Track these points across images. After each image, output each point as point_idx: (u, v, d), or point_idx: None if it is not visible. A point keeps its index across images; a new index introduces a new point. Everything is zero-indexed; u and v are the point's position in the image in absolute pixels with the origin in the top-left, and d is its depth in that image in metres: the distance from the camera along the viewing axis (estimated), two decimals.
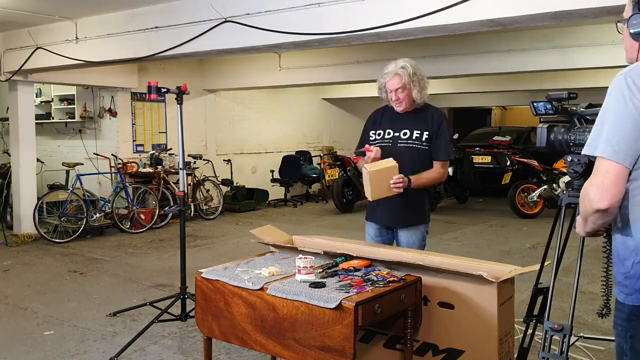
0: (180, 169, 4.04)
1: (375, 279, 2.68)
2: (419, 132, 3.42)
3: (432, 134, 3.42)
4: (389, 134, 3.49)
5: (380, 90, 3.49)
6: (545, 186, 9.67)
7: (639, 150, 1.71)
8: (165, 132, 9.93)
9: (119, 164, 8.86)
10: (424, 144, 3.42)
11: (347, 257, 3.03)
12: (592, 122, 2.15)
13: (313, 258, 2.82)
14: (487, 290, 2.69)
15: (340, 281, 2.68)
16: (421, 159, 3.44)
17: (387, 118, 3.55)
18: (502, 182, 11.19)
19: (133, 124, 9.51)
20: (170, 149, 9.70)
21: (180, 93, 3.89)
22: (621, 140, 1.70)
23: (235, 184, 10.77)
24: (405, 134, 3.45)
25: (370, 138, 3.54)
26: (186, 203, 4.22)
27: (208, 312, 2.91)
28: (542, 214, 9.80)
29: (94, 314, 4.82)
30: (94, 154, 9.08)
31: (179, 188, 4.26)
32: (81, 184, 8.12)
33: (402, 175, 3.29)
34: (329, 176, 11.33)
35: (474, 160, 11.87)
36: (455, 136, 12.41)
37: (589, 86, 10.94)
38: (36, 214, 7.79)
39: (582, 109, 2.67)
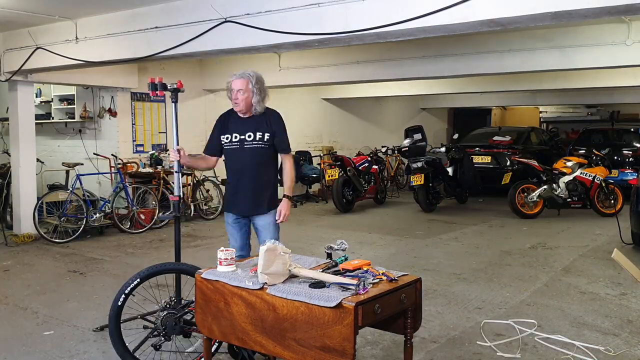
0: (176, 171, 3.95)
1: (366, 277, 2.67)
2: (261, 133, 3.90)
3: (272, 133, 3.93)
4: (236, 137, 3.94)
5: (227, 91, 3.96)
6: (545, 186, 9.67)
7: None
8: (165, 132, 9.93)
9: (119, 164, 8.86)
10: (267, 143, 3.92)
11: (347, 257, 3.03)
12: None
13: (234, 250, 3.06)
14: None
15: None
16: (266, 154, 3.96)
17: (226, 122, 4.03)
18: (502, 182, 11.19)
19: (133, 124, 9.51)
20: (169, 150, 9.69)
21: (175, 91, 3.88)
22: None
23: None
24: (250, 136, 3.91)
25: (224, 141, 3.99)
26: (181, 209, 4.14)
27: (208, 312, 2.91)
28: (542, 214, 9.80)
29: (94, 314, 4.82)
30: (94, 154, 9.07)
31: (173, 192, 4.13)
32: (81, 184, 8.12)
33: (285, 208, 3.95)
34: (329, 176, 11.32)
35: (474, 160, 11.87)
36: (455, 136, 12.41)
37: (589, 86, 10.97)
38: (36, 214, 7.79)
39: None
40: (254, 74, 3.87)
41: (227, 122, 4.03)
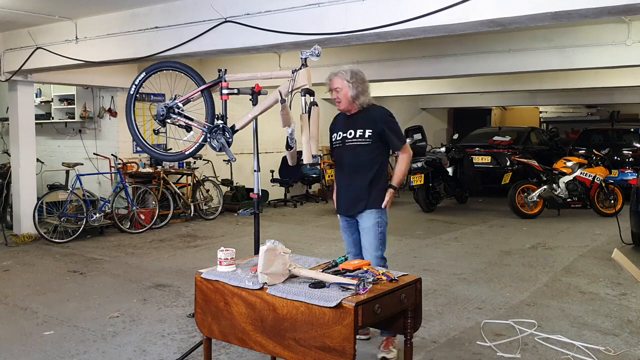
0: (255, 170, 3.92)
1: (366, 277, 2.67)
2: (362, 130, 3.84)
3: (380, 130, 3.84)
4: (340, 135, 3.95)
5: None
6: (545, 186, 9.67)
7: None
8: (165, 132, 9.91)
9: (119, 164, 8.86)
10: (367, 139, 3.83)
11: (347, 257, 3.03)
12: None
13: (234, 250, 3.00)
14: None
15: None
16: (366, 152, 3.87)
17: (336, 122, 4.06)
18: (502, 182, 11.19)
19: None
20: (170, 149, 9.69)
21: (255, 94, 3.94)
22: None
23: (235, 184, 10.78)
24: (351, 134, 3.87)
25: (333, 140, 4.04)
26: (260, 206, 4.12)
27: (208, 312, 2.91)
28: (542, 214, 9.80)
29: (94, 314, 4.82)
30: (94, 154, 9.08)
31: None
32: (81, 184, 8.12)
33: (390, 190, 3.86)
34: (329, 176, 11.32)
35: (474, 160, 11.87)
36: (455, 136, 12.41)
37: (589, 86, 10.97)
38: (36, 214, 7.78)
39: None
40: (348, 69, 3.81)
41: (336, 121, 4.07)
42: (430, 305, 4.95)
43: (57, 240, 7.71)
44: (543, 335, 4.26)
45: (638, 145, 12.67)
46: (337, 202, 4.12)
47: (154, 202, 8.78)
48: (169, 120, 4.05)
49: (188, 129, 4.05)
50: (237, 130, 3.96)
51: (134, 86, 4.16)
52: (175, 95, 4.05)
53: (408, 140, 10.80)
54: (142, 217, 8.61)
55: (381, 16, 4.53)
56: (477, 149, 12.28)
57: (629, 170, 11.16)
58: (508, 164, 11.66)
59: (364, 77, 3.84)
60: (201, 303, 2.94)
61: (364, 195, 3.87)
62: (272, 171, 11.49)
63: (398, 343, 3.77)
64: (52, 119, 10.07)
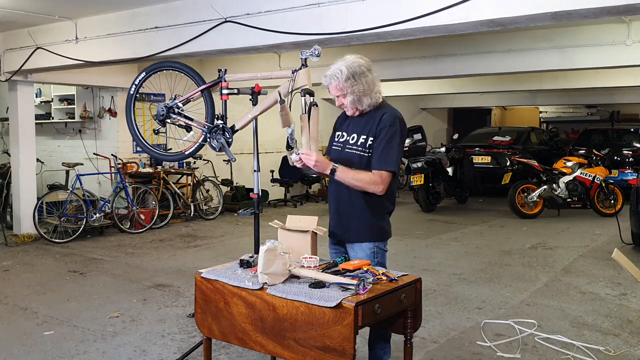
0: (255, 170, 3.71)
1: (366, 277, 2.66)
2: (364, 137, 3.05)
3: (375, 139, 3.02)
4: (342, 137, 3.19)
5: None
6: (545, 186, 9.67)
7: None
8: (165, 132, 9.91)
9: (119, 164, 8.86)
10: (367, 151, 3.03)
11: (347, 257, 3.02)
12: None
13: (318, 258, 2.85)
14: None
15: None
16: (366, 166, 3.03)
17: (344, 119, 3.25)
18: (502, 182, 11.19)
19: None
20: (170, 149, 9.69)
21: (254, 94, 3.93)
22: None
23: (235, 184, 10.78)
24: (353, 138, 3.11)
25: (334, 139, 3.26)
26: (260, 206, 4.06)
27: (208, 312, 2.91)
28: (542, 214, 9.80)
29: (94, 314, 4.82)
30: (94, 154, 9.08)
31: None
32: (81, 184, 8.12)
33: (315, 155, 2.91)
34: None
35: (474, 160, 11.87)
36: (455, 136, 12.41)
37: (589, 86, 10.98)
38: (36, 214, 7.79)
39: None
40: (344, 67, 2.96)
41: (341, 117, 3.29)
42: (430, 305, 4.95)
43: (57, 240, 7.71)
44: (543, 335, 4.27)
45: (638, 145, 12.68)
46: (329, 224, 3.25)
47: (154, 202, 8.78)
48: (169, 120, 4.05)
49: (188, 129, 4.05)
50: (237, 130, 3.95)
51: (133, 86, 4.16)
52: (175, 95, 4.05)
53: (407, 141, 10.80)
54: (142, 217, 8.61)
55: (381, 16, 4.53)
56: (477, 149, 12.29)
57: (629, 170, 11.16)
58: (508, 164, 11.67)
59: (366, 69, 2.97)
60: (201, 303, 2.94)
61: (357, 222, 3.07)
62: (272, 171, 11.50)
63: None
64: (52, 119, 10.07)
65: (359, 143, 3.06)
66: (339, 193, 3.10)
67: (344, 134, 3.18)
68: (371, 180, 2.95)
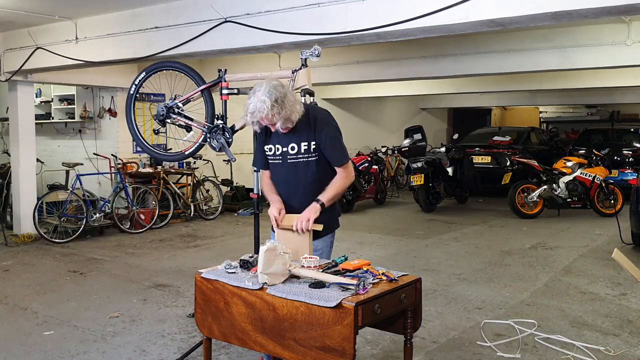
0: (255, 170, 3.53)
1: (366, 277, 2.66)
2: (306, 143, 3.14)
3: (319, 141, 3.14)
4: (278, 150, 3.21)
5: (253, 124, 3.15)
6: (545, 186, 9.67)
7: None
8: (166, 132, 9.92)
9: (119, 164, 8.86)
10: (314, 155, 3.15)
11: (347, 257, 3.02)
12: None
13: (318, 258, 2.88)
14: None
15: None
16: (316, 169, 3.18)
17: (267, 133, 3.26)
18: (502, 182, 11.19)
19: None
20: (170, 149, 9.69)
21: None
22: None
23: (235, 184, 10.78)
24: (293, 148, 3.17)
25: (267, 153, 3.30)
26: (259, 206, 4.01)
27: (208, 312, 2.91)
28: (542, 214, 9.80)
29: (94, 314, 4.82)
30: (94, 154, 9.08)
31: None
32: (81, 184, 8.12)
33: (308, 212, 3.06)
34: None
35: (474, 160, 11.87)
36: (455, 136, 12.42)
37: (589, 86, 10.98)
38: (36, 214, 7.78)
39: None
40: (263, 98, 2.96)
41: (263, 131, 3.25)
42: (430, 305, 4.95)
43: (57, 240, 7.71)
44: (543, 335, 4.26)
45: (638, 145, 12.68)
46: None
47: (154, 202, 8.78)
48: (169, 120, 4.05)
49: (188, 129, 4.05)
50: (237, 130, 3.95)
51: (134, 86, 4.16)
52: (175, 95, 4.06)
53: (407, 141, 10.82)
54: (142, 217, 8.61)
55: (381, 16, 4.53)
56: (477, 149, 12.29)
57: (629, 170, 11.15)
58: (508, 164, 11.67)
59: (282, 89, 3.01)
60: (201, 303, 2.94)
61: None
62: None
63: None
64: (52, 119, 10.07)
65: (302, 150, 3.16)
66: (287, 182, 3.25)
67: (278, 146, 3.22)
68: (343, 179, 3.18)
